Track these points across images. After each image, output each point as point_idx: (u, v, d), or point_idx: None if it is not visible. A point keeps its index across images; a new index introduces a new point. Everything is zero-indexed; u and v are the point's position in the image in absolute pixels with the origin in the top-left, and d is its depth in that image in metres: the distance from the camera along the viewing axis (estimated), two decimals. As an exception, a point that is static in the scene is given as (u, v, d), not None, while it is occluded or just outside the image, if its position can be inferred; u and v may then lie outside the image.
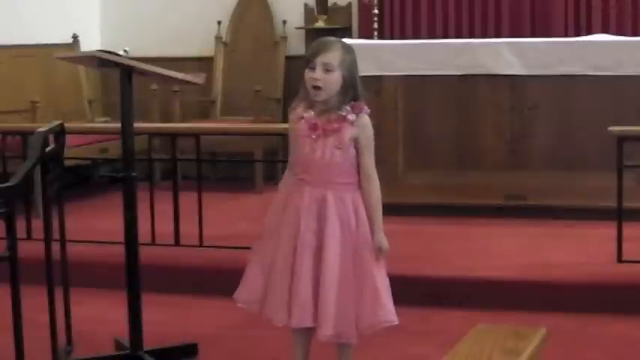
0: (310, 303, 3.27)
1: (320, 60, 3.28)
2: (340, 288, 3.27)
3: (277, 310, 3.32)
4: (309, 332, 3.42)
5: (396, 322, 3.35)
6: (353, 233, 3.32)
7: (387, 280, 3.38)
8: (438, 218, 5.86)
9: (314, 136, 3.32)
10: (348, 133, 3.32)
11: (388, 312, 3.34)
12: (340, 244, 3.29)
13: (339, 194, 3.33)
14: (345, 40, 3.54)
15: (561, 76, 5.82)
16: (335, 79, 3.29)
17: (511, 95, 5.94)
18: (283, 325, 3.36)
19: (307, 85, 3.31)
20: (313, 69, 3.28)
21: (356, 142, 3.33)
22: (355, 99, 3.34)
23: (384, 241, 3.35)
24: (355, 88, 3.34)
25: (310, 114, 3.34)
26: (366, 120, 3.35)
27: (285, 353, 3.62)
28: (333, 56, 3.29)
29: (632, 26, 7.27)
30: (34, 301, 3.37)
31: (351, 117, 3.31)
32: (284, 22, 7.94)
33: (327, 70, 3.28)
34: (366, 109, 3.35)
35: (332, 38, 3.41)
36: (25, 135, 5.23)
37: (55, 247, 3.66)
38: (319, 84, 3.28)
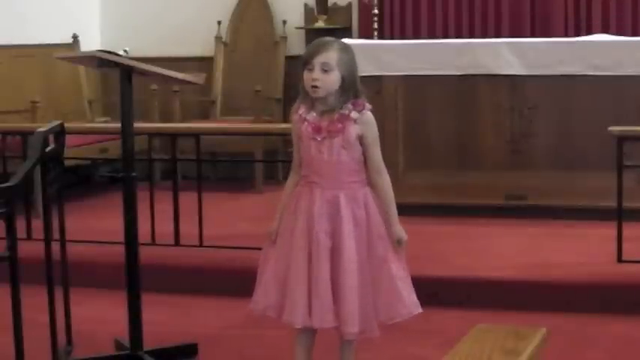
0: (331, 303, 3.28)
1: (317, 60, 3.28)
2: (360, 285, 3.29)
3: (297, 313, 3.29)
4: (313, 332, 3.42)
5: (417, 312, 3.37)
6: (365, 229, 3.33)
7: (406, 270, 3.38)
8: (438, 218, 5.86)
9: (319, 138, 3.32)
10: (353, 131, 3.32)
11: (407, 303, 3.35)
12: (356, 242, 3.30)
13: (350, 193, 3.34)
14: (344, 39, 3.55)
15: (561, 76, 5.82)
16: (333, 78, 3.29)
17: (511, 95, 5.94)
18: (303, 327, 3.34)
19: (306, 86, 3.32)
20: (311, 70, 3.29)
21: (362, 139, 3.33)
22: (356, 97, 3.34)
23: (402, 232, 3.38)
24: (355, 86, 3.34)
25: (312, 115, 3.34)
26: (369, 116, 3.35)
27: (286, 353, 3.62)
28: (330, 56, 3.29)
29: (632, 26, 7.27)
30: (34, 301, 3.37)
31: (354, 115, 3.32)
32: (284, 22, 7.94)
33: (325, 70, 3.28)
34: (368, 105, 3.36)
35: (329, 38, 3.40)
36: (25, 135, 5.22)
37: (55, 247, 3.66)
38: (318, 84, 3.28)
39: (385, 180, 3.39)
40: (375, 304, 3.32)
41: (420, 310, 3.38)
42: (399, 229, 3.38)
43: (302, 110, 3.37)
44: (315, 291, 3.28)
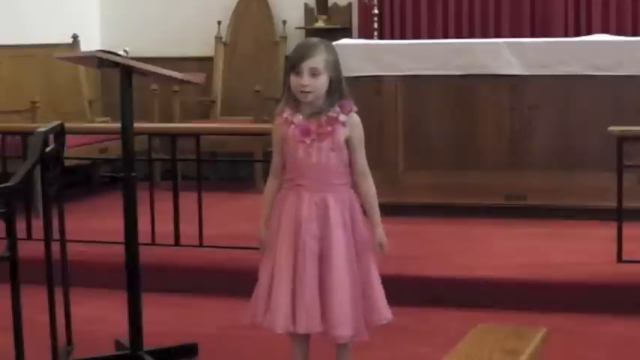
0: (317, 308, 3.27)
1: (306, 65, 3.26)
2: (351, 288, 3.28)
3: (279, 318, 3.28)
4: (307, 335, 3.42)
5: (389, 318, 3.38)
6: (351, 232, 3.33)
7: (379, 276, 3.40)
8: (438, 218, 5.86)
9: (308, 141, 3.30)
10: (342, 133, 3.31)
11: (383, 309, 3.37)
12: (345, 246, 3.30)
13: (338, 196, 3.33)
14: (344, 40, 3.54)
15: (561, 76, 5.82)
16: (322, 82, 3.28)
17: (511, 95, 5.94)
18: (285, 332, 3.35)
19: (294, 90, 3.29)
20: (299, 74, 3.27)
21: (348, 141, 3.33)
22: (341, 98, 3.33)
23: (384, 237, 3.36)
24: (341, 87, 3.34)
25: (299, 118, 3.32)
26: (356, 119, 3.35)
27: (285, 353, 3.62)
28: (318, 60, 3.27)
29: (632, 26, 7.27)
30: (34, 301, 3.37)
31: (343, 117, 3.31)
32: (284, 22, 7.94)
33: (314, 74, 3.26)
34: (354, 107, 3.35)
35: (314, 40, 3.39)
36: (25, 135, 5.23)
37: (55, 247, 3.65)
38: (307, 89, 3.26)
39: (369, 183, 3.38)
40: (364, 307, 3.32)
41: (390, 316, 3.38)
42: (382, 234, 3.37)
43: (287, 113, 3.35)
44: (301, 296, 3.26)
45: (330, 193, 3.32)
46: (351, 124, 3.32)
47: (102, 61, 3.79)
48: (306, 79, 3.25)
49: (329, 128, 3.30)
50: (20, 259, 3.05)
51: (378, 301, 3.35)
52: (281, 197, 3.38)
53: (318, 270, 3.28)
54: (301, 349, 3.45)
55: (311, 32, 7.70)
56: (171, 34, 8.14)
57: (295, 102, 3.33)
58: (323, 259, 3.28)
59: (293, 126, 3.32)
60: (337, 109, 3.31)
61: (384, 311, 3.37)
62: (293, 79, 3.28)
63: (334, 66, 3.31)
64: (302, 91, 3.27)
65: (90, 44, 7.90)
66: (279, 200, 3.38)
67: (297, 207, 3.31)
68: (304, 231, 3.28)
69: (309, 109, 3.32)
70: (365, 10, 7.72)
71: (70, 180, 4.88)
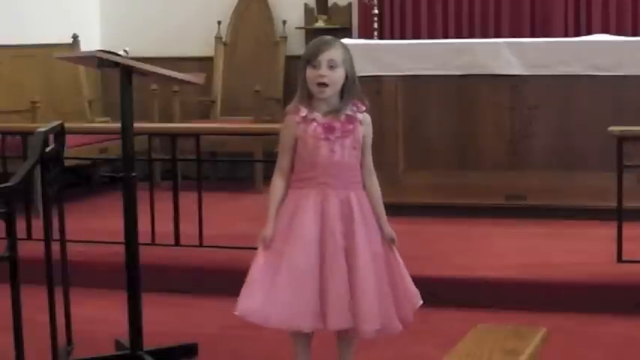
0: (347, 304, 3.27)
1: (324, 57, 3.27)
2: (377, 283, 3.30)
3: (306, 316, 3.27)
4: (310, 334, 3.42)
5: (420, 304, 3.45)
6: (371, 228, 3.35)
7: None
8: (438, 218, 5.86)
9: (332, 138, 3.30)
10: (360, 132, 3.34)
11: (417, 295, 3.43)
12: (368, 243, 3.32)
13: (357, 193, 3.36)
14: (344, 39, 3.56)
15: (561, 76, 5.82)
16: (339, 75, 3.29)
17: (511, 95, 5.94)
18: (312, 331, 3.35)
19: (311, 84, 3.28)
20: (317, 67, 3.27)
21: (363, 140, 3.36)
22: (357, 97, 3.34)
23: (393, 232, 3.41)
24: (355, 86, 3.35)
25: (318, 116, 3.32)
26: (369, 118, 3.38)
27: (285, 353, 3.62)
28: (336, 53, 3.29)
29: (632, 26, 7.28)
30: (34, 301, 3.37)
31: (360, 116, 3.33)
32: (284, 22, 7.94)
33: (332, 66, 3.27)
34: (366, 106, 3.36)
35: (330, 37, 3.41)
36: (25, 135, 5.23)
37: (55, 247, 3.65)
38: (325, 80, 3.26)
39: (376, 181, 3.42)
40: (396, 303, 3.35)
41: (421, 301, 3.45)
42: (391, 229, 3.42)
43: (304, 111, 3.33)
44: (331, 292, 3.26)
45: (352, 191, 3.35)
46: (366, 123, 3.36)
47: (102, 61, 3.79)
48: (324, 70, 3.26)
49: (350, 126, 3.31)
50: (20, 259, 3.05)
51: (410, 290, 3.40)
52: (296, 196, 3.35)
53: (345, 266, 3.28)
54: (304, 348, 3.45)
55: (311, 32, 7.71)
56: (171, 34, 8.14)
57: (310, 100, 3.32)
58: (348, 257, 3.29)
59: (315, 123, 3.30)
60: (353, 107, 3.32)
61: (417, 297, 3.43)
62: (310, 72, 3.28)
63: (350, 63, 3.33)
64: (319, 83, 3.26)
65: (90, 44, 7.90)
66: (292, 199, 3.35)
67: (323, 205, 3.30)
68: (331, 229, 3.28)
69: (324, 107, 3.32)
70: (365, 10, 7.72)
71: (70, 180, 4.88)
